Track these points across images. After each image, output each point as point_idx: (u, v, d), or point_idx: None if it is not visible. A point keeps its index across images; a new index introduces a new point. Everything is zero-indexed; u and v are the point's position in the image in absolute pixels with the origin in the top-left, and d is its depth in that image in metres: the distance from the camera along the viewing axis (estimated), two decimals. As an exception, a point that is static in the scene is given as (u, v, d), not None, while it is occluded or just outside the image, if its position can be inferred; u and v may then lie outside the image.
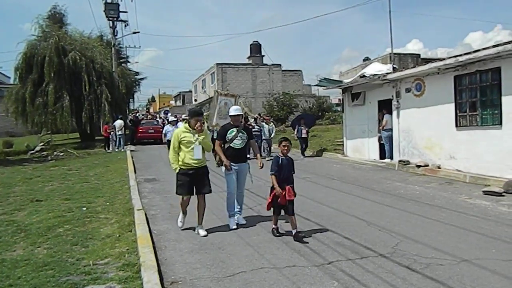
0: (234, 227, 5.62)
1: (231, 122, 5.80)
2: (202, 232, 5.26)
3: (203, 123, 5.22)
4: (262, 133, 15.42)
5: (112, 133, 20.14)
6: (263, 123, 16.01)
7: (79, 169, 12.72)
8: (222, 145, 5.69)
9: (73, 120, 22.23)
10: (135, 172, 11.55)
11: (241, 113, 5.90)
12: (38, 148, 20.54)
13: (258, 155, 6.07)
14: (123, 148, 19.62)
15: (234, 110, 5.86)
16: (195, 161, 5.21)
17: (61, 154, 18.07)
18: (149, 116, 33.69)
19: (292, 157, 5.51)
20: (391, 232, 5.21)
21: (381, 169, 11.53)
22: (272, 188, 5.12)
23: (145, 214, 6.19)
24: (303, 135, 15.45)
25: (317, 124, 27.40)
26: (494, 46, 8.24)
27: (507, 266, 4.00)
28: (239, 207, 5.94)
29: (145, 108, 69.93)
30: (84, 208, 6.83)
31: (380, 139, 12.56)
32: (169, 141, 12.42)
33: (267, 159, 12.86)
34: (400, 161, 11.28)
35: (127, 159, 14.66)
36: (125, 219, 5.92)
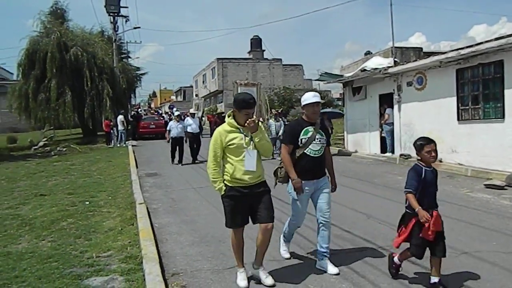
0: (287, 256, 4.14)
1: (305, 117, 3.87)
2: (268, 281, 3.54)
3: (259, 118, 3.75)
4: (269, 132, 13.29)
5: (113, 128, 20.25)
6: (270, 120, 13.82)
7: (82, 164, 12.80)
8: (293, 152, 3.81)
9: (75, 116, 22.37)
10: (136, 167, 11.62)
11: (321, 101, 3.93)
12: (41, 144, 20.68)
13: (334, 185, 4.01)
14: (124, 143, 19.70)
15: (311, 96, 3.81)
16: (250, 175, 3.42)
17: (64, 149, 18.19)
18: (151, 111, 33.63)
19: None
20: (391, 225, 5.22)
21: (382, 163, 11.54)
22: (409, 216, 3.44)
23: (147, 208, 6.24)
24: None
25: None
26: (496, 39, 8.19)
27: (508, 258, 4.02)
28: (324, 246, 3.81)
29: (146, 104, 70.01)
30: (87, 202, 6.90)
31: (381, 133, 12.58)
32: (173, 138, 12.03)
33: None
34: (401, 155, 11.29)
35: (129, 154, 14.73)
36: (127, 213, 5.98)
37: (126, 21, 28.10)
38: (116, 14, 26.29)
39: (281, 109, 20.03)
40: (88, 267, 3.90)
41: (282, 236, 4.21)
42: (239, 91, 12.32)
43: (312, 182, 3.80)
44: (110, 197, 7.34)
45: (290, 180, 3.82)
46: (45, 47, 20.87)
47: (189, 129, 12.29)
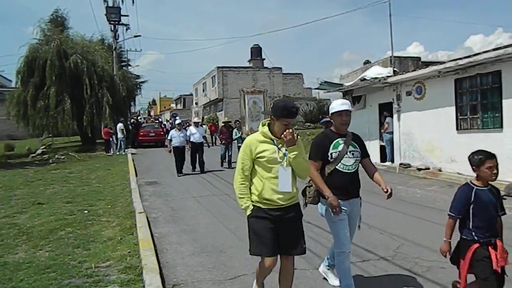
0: (337, 284, 3.60)
1: (333, 128, 3.44)
2: None
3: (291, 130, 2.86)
4: None
5: (112, 136, 20.21)
6: None
7: (80, 172, 12.74)
8: (322, 169, 3.36)
9: (74, 123, 22.29)
10: (136, 175, 11.58)
11: (351, 109, 3.43)
12: (39, 151, 20.59)
13: (388, 187, 3.44)
14: (124, 151, 19.65)
15: (339, 104, 3.38)
16: (281, 196, 2.89)
17: (62, 157, 18.11)
18: (151, 119, 33.48)
19: None
20: (392, 235, 5.21)
21: (382, 172, 11.47)
22: (465, 244, 2.90)
23: (147, 217, 6.20)
24: None
25: (318, 127, 27.44)
26: (494, 50, 8.26)
27: (509, 269, 3.99)
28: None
29: (146, 111, 70.07)
30: (86, 211, 6.85)
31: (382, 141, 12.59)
32: (174, 148, 11.63)
33: None
34: (401, 164, 11.29)
35: (128, 162, 14.68)
36: (127, 222, 5.93)
37: (126, 29, 28.28)
38: (116, 22, 26.42)
39: None
40: (87, 278, 3.85)
41: (325, 268, 3.78)
42: (245, 99, 12.11)
43: (348, 202, 3.32)
44: (109, 206, 7.29)
45: (321, 201, 3.37)
46: (44, 54, 20.89)
47: (192, 139, 11.90)
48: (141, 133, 23.66)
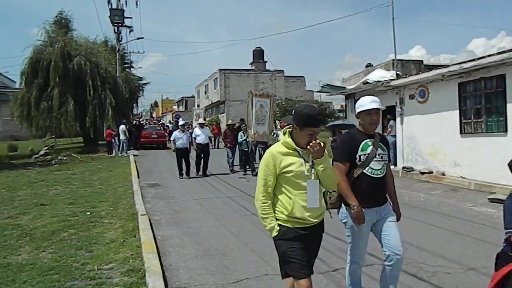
0: None
1: (361, 127, 3.12)
2: None
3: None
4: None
5: (115, 137, 20.24)
6: (279, 131, 12.42)
7: (83, 174, 12.75)
8: (348, 173, 3.02)
9: (77, 125, 22.39)
10: (138, 177, 11.58)
11: (382, 108, 3.11)
12: (42, 152, 20.62)
13: (398, 211, 3.29)
14: (126, 152, 19.68)
15: (368, 102, 3.04)
16: (312, 213, 2.60)
17: (65, 158, 18.13)
18: (153, 121, 33.41)
19: None
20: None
21: (385, 175, 11.49)
22: (504, 259, 2.50)
23: (149, 219, 6.19)
24: None
25: (321, 131, 27.40)
26: (498, 53, 8.24)
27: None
28: None
29: (148, 113, 70.20)
30: (88, 213, 6.84)
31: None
32: (177, 149, 11.39)
33: None
34: (404, 167, 11.25)
35: (130, 164, 14.69)
36: (129, 224, 5.92)
37: (130, 31, 28.48)
38: (120, 24, 26.54)
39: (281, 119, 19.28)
40: (90, 280, 3.84)
41: None
42: (253, 102, 11.52)
43: (373, 211, 3.01)
44: (111, 208, 7.28)
45: (342, 206, 3.05)
46: (48, 56, 20.98)
47: (197, 140, 11.71)
48: (143, 135, 23.70)
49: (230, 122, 14.35)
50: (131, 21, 35.66)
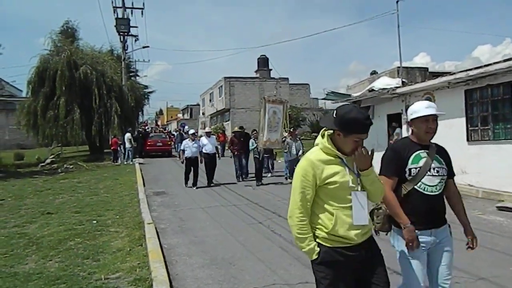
0: None
1: (414, 137, 2.69)
2: None
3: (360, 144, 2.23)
4: (288, 152, 11.87)
5: (120, 145, 20.35)
6: (287, 139, 12.14)
7: (89, 182, 12.80)
8: (397, 188, 2.62)
9: (83, 133, 22.52)
10: (144, 185, 11.59)
11: (441, 113, 2.65)
12: (48, 161, 20.79)
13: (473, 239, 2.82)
14: (131, 161, 19.74)
15: (423, 107, 2.59)
16: (358, 231, 2.21)
17: (71, 166, 18.24)
18: (159, 129, 33.38)
19: None
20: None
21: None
22: None
23: (155, 228, 6.18)
24: None
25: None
26: (505, 60, 8.20)
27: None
28: None
29: (154, 121, 70.53)
30: (95, 221, 6.85)
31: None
32: (187, 158, 11.13)
33: (289, 181, 11.29)
34: (410, 175, 11.17)
35: (136, 172, 14.73)
36: (135, 233, 5.91)
37: (135, 40, 28.62)
38: (126, 33, 26.79)
39: (292, 127, 18.77)
40: (97, 290, 3.83)
41: None
42: (266, 108, 11.12)
43: (429, 233, 2.54)
44: (117, 216, 7.29)
45: (393, 229, 2.66)
46: (55, 65, 21.21)
47: (204, 150, 11.32)
48: (149, 143, 23.79)
49: (236, 128, 13.71)
50: (137, 30, 36.11)
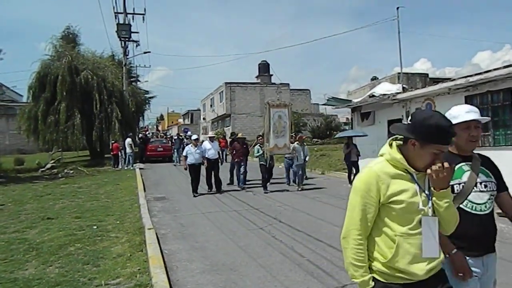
0: None
1: (454, 148, 2.25)
2: None
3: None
4: (296, 157, 11.59)
5: (121, 151, 20.36)
6: (294, 144, 11.94)
7: (89, 187, 12.78)
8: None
9: (83, 138, 22.51)
10: (144, 190, 11.58)
11: (486, 119, 2.41)
12: (48, 166, 20.74)
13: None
14: (132, 166, 19.73)
15: (464, 112, 2.22)
16: (426, 266, 1.79)
17: (71, 171, 18.20)
18: (160, 134, 33.36)
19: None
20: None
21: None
22: None
23: (156, 234, 6.16)
24: (353, 158, 12.23)
25: (326, 143, 27.42)
26: (505, 67, 8.25)
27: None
28: None
29: (154, 126, 70.58)
30: (95, 227, 6.83)
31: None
32: (190, 165, 10.75)
33: (299, 189, 11.31)
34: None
35: (137, 177, 14.71)
36: (136, 238, 5.89)
37: (136, 46, 28.71)
38: (127, 39, 26.87)
39: (295, 132, 18.36)
40: (97, 296, 3.81)
41: None
42: (271, 114, 10.82)
43: (480, 261, 2.14)
44: (118, 222, 7.27)
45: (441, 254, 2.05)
46: (56, 70, 21.25)
47: (207, 155, 11.01)
48: (149, 148, 23.80)
49: (240, 135, 13.19)
50: (138, 36, 36.20)
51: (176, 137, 26.04)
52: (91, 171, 18.39)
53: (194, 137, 11.82)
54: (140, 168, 18.42)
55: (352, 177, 12.07)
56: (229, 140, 16.37)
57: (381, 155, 1.92)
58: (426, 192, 1.83)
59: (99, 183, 13.93)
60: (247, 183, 12.35)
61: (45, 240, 6.01)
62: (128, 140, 20.33)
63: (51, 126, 20.96)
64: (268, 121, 10.78)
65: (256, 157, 11.77)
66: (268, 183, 11.52)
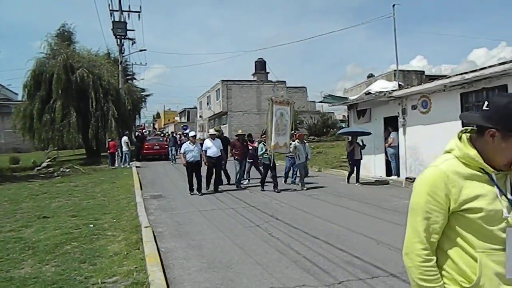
0: None
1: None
2: None
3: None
4: (297, 156, 11.41)
5: (118, 149, 20.30)
6: (295, 142, 11.53)
7: (85, 186, 12.74)
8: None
9: (79, 137, 22.42)
10: (141, 188, 11.55)
11: None
12: (44, 164, 20.63)
13: None
14: (128, 164, 19.69)
15: None
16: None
17: (67, 170, 18.14)
18: (157, 132, 33.22)
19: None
20: (401, 251, 5.13)
21: (388, 186, 11.46)
22: None
23: (153, 232, 6.15)
24: (356, 157, 11.78)
25: (322, 141, 27.46)
26: (500, 64, 8.27)
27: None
28: None
29: (151, 124, 70.40)
30: (91, 225, 6.81)
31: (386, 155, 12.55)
32: (188, 162, 10.47)
33: (304, 188, 10.99)
34: (407, 178, 11.21)
35: (133, 175, 14.68)
36: (133, 237, 5.89)
37: (132, 44, 28.63)
38: (122, 37, 26.76)
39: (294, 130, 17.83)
40: (94, 294, 3.81)
41: None
42: (274, 110, 10.40)
43: None
44: (114, 220, 7.25)
45: None
46: (51, 68, 21.15)
47: (208, 153, 10.69)
48: (146, 146, 23.74)
49: (240, 132, 12.55)
50: (134, 34, 36.06)
51: (170, 135, 25.60)
52: (87, 170, 18.33)
53: (191, 133, 11.54)
54: (136, 166, 18.39)
55: (357, 176, 11.69)
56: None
57: (448, 152, 1.54)
58: (510, 196, 1.45)
59: (96, 181, 13.89)
60: (247, 183, 12.22)
61: (41, 239, 5.99)
62: (125, 138, 20.27)
63: (46, 124, 20.89)
64: (270, 118, 10.40)
65: (260, 155, 11.28)
66: (276, 183, 10.84)
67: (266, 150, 10.81)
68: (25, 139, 23.39)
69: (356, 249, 5.22)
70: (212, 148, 10.78)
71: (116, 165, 20.06)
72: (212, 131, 11.77)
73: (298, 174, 11.98)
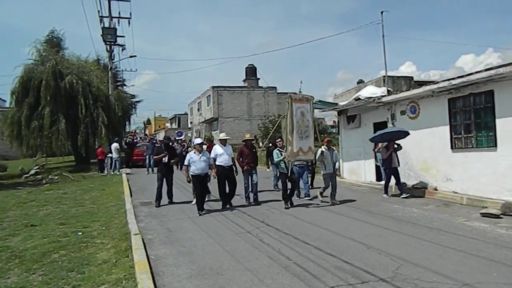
0: None
1: None
2: None
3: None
4: (324, 165, 9.61)
5: (107, 155, 20.13)
6: (322, 148, 9.78)
7: (74, 193, 12.60)
8: None
9: (68, 143, 22.19)
10: (131, 195, 11.46)
11: None
12: (32, 172, 20.37)
13: None
14: (118, 171, 19.52)
15: None
16: None
17: (56, 177, 17.91)
18: (148, 139, 32.88)
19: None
20: (391, 255, 5.17)
21: (378, 191, 11.52)
22: None
23: (142, 239, 6.10)
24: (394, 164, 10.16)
25: (315, 146, 27.49)
26: (486, 70, 8.41)
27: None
28: None
29: (142, 131, 69.97)
30: (80, 233, 6.74)
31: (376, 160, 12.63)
32: (194, 176, 8.75)
33: (337, 203, 9.49)
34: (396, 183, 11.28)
35: (123, 182, 14.56)
36: (122, 244, 5.84)
37: (122, 50, 28.47)
38: (112, 43, 26.65)
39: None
40: (82, 303, 3.76)
41: None
42: (293, 109, 8.81)
43: None
44: (103, 227, 7.19)
45: None
46: (40, 75, 20.96)
47: (219, 162, 9.03)
48: (136, 153, 23.54)
49: (248, 136, 10.25)
50: (124, 40, 35.94)
51: (148, 142, 23.53)
52: (76, 177, 18.13)
53: (197, 141, 9.47)
54: (126, 173, 18.23)
55: (399, 186, 10.14)
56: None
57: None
58: None
59: (85, 188, 13.75)
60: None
61: (28, 247, 5.92)
62: (115, 145, 20.11)
63: (35, 131, 20.65)
64: (291, 119, 8.69)
65: (276, 163, 9.73)
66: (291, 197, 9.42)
67: (283, 157, 9.15)
68: (13, 146, 23.06)
69: (346, 254, 5.24)
70: (224, 155, 9.06)
71: (106, 172, 19.88)
72: (223, 135, 9.75)
73: (309, 183, 10.93)
